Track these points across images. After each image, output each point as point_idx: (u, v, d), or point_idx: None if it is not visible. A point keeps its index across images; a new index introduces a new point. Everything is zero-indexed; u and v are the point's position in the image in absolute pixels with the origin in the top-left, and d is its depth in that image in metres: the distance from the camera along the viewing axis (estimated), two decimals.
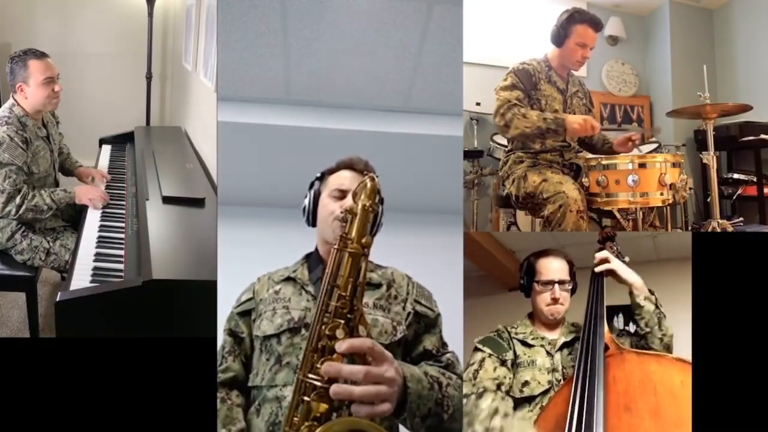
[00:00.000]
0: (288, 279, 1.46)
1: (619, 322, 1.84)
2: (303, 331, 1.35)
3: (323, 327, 1.13)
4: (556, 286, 1.68)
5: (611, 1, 4.19)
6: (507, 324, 1.72)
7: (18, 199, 2.39)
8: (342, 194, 1.45)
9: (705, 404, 1.54)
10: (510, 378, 1.60)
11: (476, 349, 1.66)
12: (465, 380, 1.55)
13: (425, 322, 1.45)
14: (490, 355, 1.62)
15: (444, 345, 1.47)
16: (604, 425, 1.26)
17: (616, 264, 1.67)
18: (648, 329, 1.59)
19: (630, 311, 1.64)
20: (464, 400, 1.50)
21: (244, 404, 1.37)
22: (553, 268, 1.71)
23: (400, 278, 1.48)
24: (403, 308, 1.43)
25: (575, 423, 1.29)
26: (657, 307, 1.60)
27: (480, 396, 1.53)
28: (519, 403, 1.56)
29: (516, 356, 1.63)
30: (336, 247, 1.18)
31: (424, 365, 1.36)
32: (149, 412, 1.68)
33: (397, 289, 1.45)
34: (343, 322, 1.12)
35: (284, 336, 1.36)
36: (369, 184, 1.23)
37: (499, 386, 1.56)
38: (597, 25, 2.42)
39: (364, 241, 1.18)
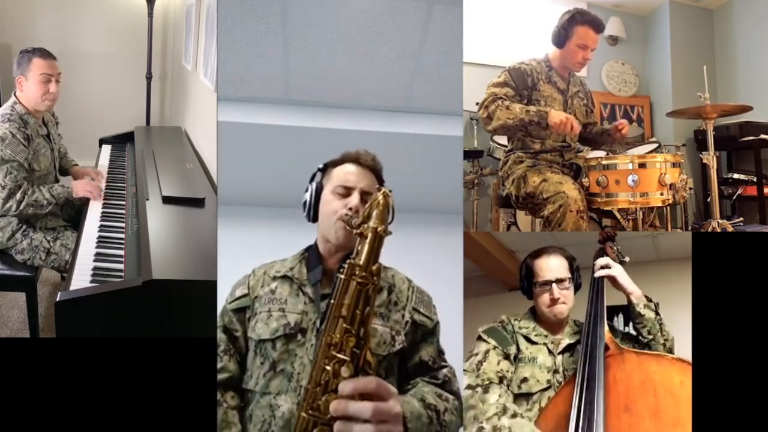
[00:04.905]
0: (285, 277, 1.39)
1: (619, 322, 1.84)
2: (299, 336, 1.30)
3: (326, 363, 1.07)
4: (554, 285, 1.63)
5: (611, 1, 4.19)
6: (510, 316, 1.69)
7: (18, 195, 2.40)
8: (346, 191, 1.37)
9: (705, 404, 1.54)
10: (511, 373, 1.57)
11: (480, 339, 1.61)
12: (467, 371, 1.53)
13: (423, 331, 1.38)
14: (494, 347, 1.59)
15: (440, 354, 1.40)
16: (605, 425, 1.26)
17: (616, 270, 1.64)
18: (651, 336, 1.58)
19: (629, 312, 1.64)
20: (468, 392, 1.47)
21: (240, 405, 1.33)
22: (549, 267, 1.66)
23: (400, 282, 1.41)
24: (402, 316, 1.36)
25: (575, 423, 1.29)
26: (657, 314, 1.59)
27: (486, 390, 1.49)
28: (516, 398, 1.54)
29: (519, 351, 1.61)
30: (342, 276, 1.10)
31: (420, 386, 1.31)
32: (149, 413, 1.68)
33: (398, 295, 1.38)
34: (348, 359, 1.06)
35: (279, 342, 1.30)
36: (382, 202, 1.14)
37: (501, 379, 1.54)
38: (598, 27, 2.42)
39: (374, 268, 1.10)
